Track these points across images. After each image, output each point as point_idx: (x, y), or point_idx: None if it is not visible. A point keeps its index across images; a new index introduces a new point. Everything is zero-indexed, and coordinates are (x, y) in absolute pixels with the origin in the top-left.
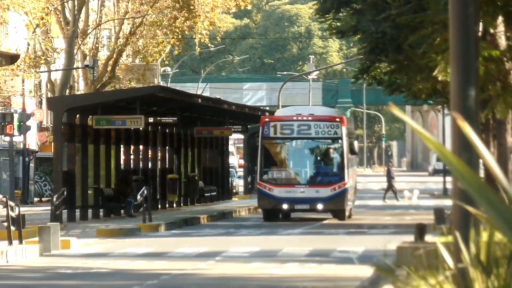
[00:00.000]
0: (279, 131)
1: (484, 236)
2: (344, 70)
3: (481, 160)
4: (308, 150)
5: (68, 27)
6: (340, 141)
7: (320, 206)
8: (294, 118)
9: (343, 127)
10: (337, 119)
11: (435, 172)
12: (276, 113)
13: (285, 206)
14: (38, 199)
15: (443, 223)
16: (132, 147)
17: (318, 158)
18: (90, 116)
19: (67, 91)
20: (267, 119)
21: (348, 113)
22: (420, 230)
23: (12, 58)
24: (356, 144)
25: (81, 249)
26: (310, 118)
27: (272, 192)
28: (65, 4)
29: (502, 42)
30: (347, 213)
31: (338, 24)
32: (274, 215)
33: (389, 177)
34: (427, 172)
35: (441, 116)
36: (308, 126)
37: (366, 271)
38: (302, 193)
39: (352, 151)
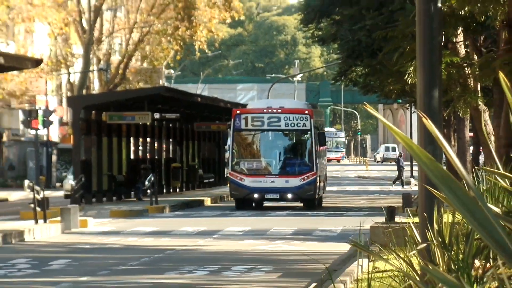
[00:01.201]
0: (250, 123)
1: (446, 217)
2: (325, 73)
3: (443, 152)
4: (278, 142)
5: (84, 35)
6: (309, 132)
7: (289, 196)
8: (265, 110)
9: (312, 119)
10: (306, 112)
11: (384, 160)
12: (248, 105)
13: (256, 196)
14: (60, 184)
15: (410, 206)
16: (140, 139)
17: (288, 149)
18: (104, 113)
19: (84, 91)
20: (238, 111)
21: (328, 110)
22: (390, 212)
23: (36, 62)
24: (324, 136)
25: (97, 227)
26: (280, 110)
27: (243, 182)
28: (82, 15)
29: (462, 50)
30: (316, 202)
31: (320, 33)
32: (246, 204)
33: (399, 166)
34: (376, 161)
35: (409, 113)
36: (278, 118)
37: (344, 247)
38: (272, 183)
39: (321, 142)
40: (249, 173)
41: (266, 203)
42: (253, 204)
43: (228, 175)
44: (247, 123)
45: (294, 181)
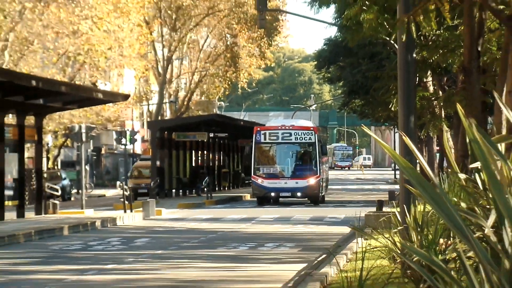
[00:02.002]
0: (268, 138)
1: (419, 207)
2: (332, 104)
3: (417, 160)
4: (290, 152)
5: (160, 77)
6: (313, 145)
7: (299, 194)
8: (279, 127)
9: (316, 134)
10: (311, 128)
11: (334, 167)
12: (266, 124)
13: (272, 194)
14: None
15: (394, 199)
16: (199, 152)
17: (297, 157)
18: (174, 133)
19: (159, 117)
20: (258, 128)
21: (335, 131)
22: (379, 204)
23: (125, 97)
24: (325, 147)
25: (168, 215)
26: (291, 127)
27: (262, 184)
28: (158, 63)
29: (431, 88)
30: (319, 199)
31: (329, 75)
32: (265, 201)
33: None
34: (356, 167)
35: (393, 133)
36: (289, 133)
37: (346, 230)
38: (285, 184)
39: (323, 152)
40: (267, 176)
41: (281, 200)
42: (271, 201)
43: (251, 178)
44: (265, 138)
45: (302, 183)
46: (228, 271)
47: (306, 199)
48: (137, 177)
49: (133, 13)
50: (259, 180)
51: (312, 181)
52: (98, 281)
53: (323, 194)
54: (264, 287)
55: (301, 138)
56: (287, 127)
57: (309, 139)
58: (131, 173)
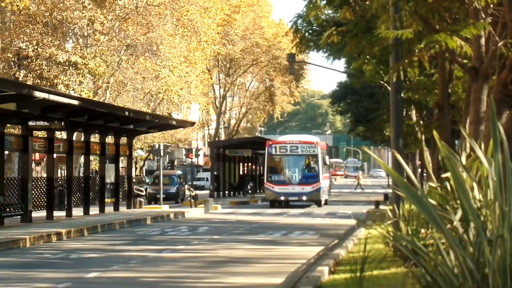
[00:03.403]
0: (278, 150)
1: (406, 206)
2: (342, 129)
3: (404, 171)
4: (296, 162)
5: (217, 109)
6: (316, 157)
7: (304, 198)
8: (288, 142)
9: (319, 147)
10: (315, 143)
11: (347, 176)
12: (277, 139)
13: (282, 198)
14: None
15: (388, 200)
16: (245, 164)
17: (303, 167)
18: (227, 150)
19: (216, 138)
20: (270, 143)
21: (344, 149)
22: (377, 203)
23: (192, 123)
24: (327, 159)
25: (222, 210)
26: (297, 142)
27: (274, 189)
28: (216, 99)
29: (414, 118)
30: (322, 202)
31: (340, 108)
32: (276, 204)
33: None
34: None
35: (387, 151)
36: (296, 147)
37: (353, 222)
38: (293, 189)
39: (325, 163)
40: (278, 183)
41: (290, 203)
42: (282, 204)
43: (264, 184)
44: (276, 150)
45: (307, 188)
46: (266, 251)
47: (311, 202)
48: (156, 184)
49: (198, 63)
50: (271, 186)
51: (315, 187)
52: (171, 257)
53: (325, 198)
54: (292, 262)
55: (306, 151)
56: (294, 142)
57: (312, 152)
58: (152, 180)
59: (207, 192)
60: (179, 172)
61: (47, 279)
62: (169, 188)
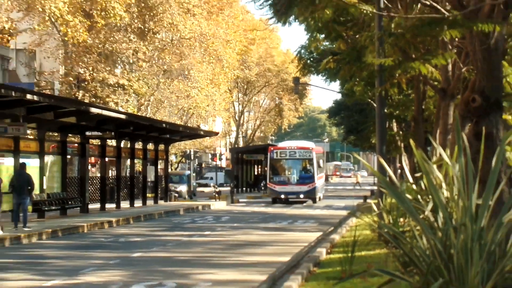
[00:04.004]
0: (279, 155)
1: (388, 200)
2: (337, 138)
3: (387, 172)
4: (295, 165)
5: (236, 122)
6: (312, 160)
7: (301, 196)
8: (287, 147)
9: (314, 152)
10: (311, 148)
11: (341, 176)
12: (278, 145)
13: (282, 196)
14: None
15: (373, 195)
16: (259, 166)
17: (300, 169)
18: (244, 155)
19: (236, 145)
20: (272, 148)
21: (339, 155)
22: (365, 198)
23: (216, 133)
24: (321, 162)
25: (241, 203)
26: (295, 147)
27: (275, 188)
28: (235, 113)
29: (395, 129)
30: (317, 199)
31: (335, 121)
32: (278, 201)
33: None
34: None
35: (373, 156)
36: (294, 152)
37: (345, 213)
38: (292, 189)
39: (319, 166)
40: (279, 183)
41: (289, 200)
42: (283, 200)
43: (267, 184)
44: (277, 155)
45: (304, 188)
46: (276, 236)
47: (307, 199)
48: (172, 182)
49: (221, 85)
50: (273, 186)
51: (311, 186)
52: (199, 241)
53: (319, 195)
54: (297, 245)
55: (303, 155)
56: (292, 147)
57: (308, 156)
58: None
59: (211, 188)
60: (188, 172)
61: (101, 257)
62: (178, 186)
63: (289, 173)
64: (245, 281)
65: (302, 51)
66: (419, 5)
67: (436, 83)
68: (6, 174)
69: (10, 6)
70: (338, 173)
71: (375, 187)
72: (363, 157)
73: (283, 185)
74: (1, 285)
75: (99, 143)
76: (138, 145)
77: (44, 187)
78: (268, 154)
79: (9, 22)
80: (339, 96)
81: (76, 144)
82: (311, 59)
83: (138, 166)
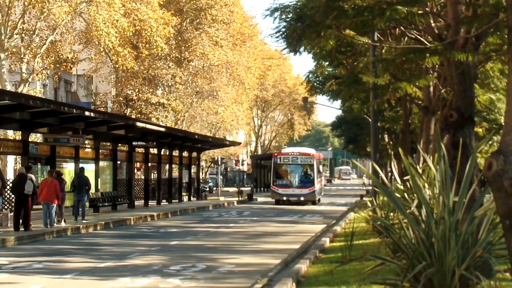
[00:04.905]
0: (282, 160)
1: (381, 198)
2: (339, 147)
3: (379, 176)
4: (297, 170)
5: (255, 134)
6: (312, 165)
7: (302, 198)
8: (290, 153)
9: (314, 158)
10: (311, 154)
11: (342, 179)
12: (282, 151)
13: (284, 198)
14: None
15: (369, 193)
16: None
17: (301, 174)
18: (262, 160)
19: (255, 153)
20: (276, 154)
21: (340, 161)
22: (361, 196)
23: (239, 143)
24: (321, 167)
25: (259, 201)
26: (297, 153)
27: (278, 191)
28: (255, 127)
29: (386, 139)
30: (316, 201)
31: (337, 133)
32: (280, 203)
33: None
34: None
35: (368, 162)
36: (296, 157)
37: (345, 209)
38: (293, 191)
39: (319, 170)
40: (282, 186)
41: (292, 202)
42: (285, 202)
43: (271, 187)
44: (280, 160)
45: (305, 191)
46: (288, 227)
47: (308, 201)
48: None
49: (244, 104)
50: (276, 189)
51: (311, 190)
52: (225, 232)
53: (319, 197)
54: (306, 235)
55: (304, 161)
56: (294, 153)
57: (309, 162)
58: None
59: (235, 188)
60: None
61: (144, 245)
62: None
63: (291, 177)
64: (262, 264)
65: (310, 75)
66: (406, 38)
67: (420, 101)
68: (68, 176)
69: (72, 40)
70: (345, 177)
71: (370, 187)
72: (360, 162)
73: (285, 188)
74: (66, 266)
75: (143, 151)
76: (175, 153)
77: (99, 187)
78: (272, 159)
79: (71, 53)
80: (340, 113)
81: (124, 152)
82: (317, 82)
83: (175, 170)
